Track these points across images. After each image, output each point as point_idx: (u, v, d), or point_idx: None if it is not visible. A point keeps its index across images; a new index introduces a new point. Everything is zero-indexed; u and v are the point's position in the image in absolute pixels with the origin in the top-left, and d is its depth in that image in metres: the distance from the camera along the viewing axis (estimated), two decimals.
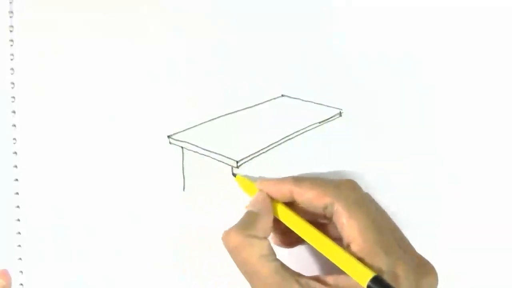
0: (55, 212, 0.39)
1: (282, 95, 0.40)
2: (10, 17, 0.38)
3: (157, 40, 0.39)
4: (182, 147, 0.39)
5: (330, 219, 0.35)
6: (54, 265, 0.39)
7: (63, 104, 0.38)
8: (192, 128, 0.39)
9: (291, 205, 0.36)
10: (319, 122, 0.39)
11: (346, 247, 0.33)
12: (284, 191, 0.35)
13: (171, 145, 0.39)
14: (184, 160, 0.39)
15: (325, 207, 0.34)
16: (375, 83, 0.39)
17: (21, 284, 0.39)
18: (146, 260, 0.39)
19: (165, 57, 0.39)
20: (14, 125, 0.38)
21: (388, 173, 0.40)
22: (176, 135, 0.39)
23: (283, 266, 0.33)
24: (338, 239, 0.34)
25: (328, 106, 0.39)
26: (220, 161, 0.38)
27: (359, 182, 0.36)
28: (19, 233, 0.39)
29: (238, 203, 0.39)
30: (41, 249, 0.39)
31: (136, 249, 0.39)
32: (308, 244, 0.35)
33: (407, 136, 0.39)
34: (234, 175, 0.38)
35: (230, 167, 0.38)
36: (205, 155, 0.38)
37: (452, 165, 0.40)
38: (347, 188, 0.35)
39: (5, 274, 0.38)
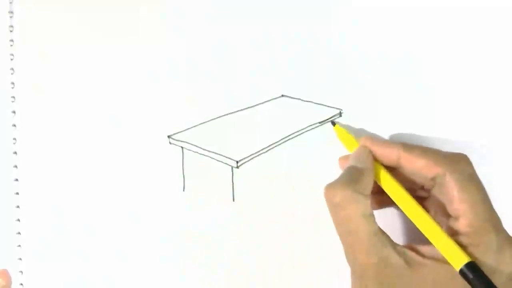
0: (55, 212, 0.39)
1: (282, 95, 0.39)
2: (10, 17, 0.38)
3: (157, 40, 0.39)
4: (182, 147, 0.39)
5: (428, 192, 0.34)
6: (54, 265, 0.39)
7: (63, 104, 0.38)
8: (192, 128, 0.39)
9: (390, 170, 0.35)
10: (319, 122, 0.39)
11: (454, 221, 0.32)
12: (391, 155, 0.34)
13: (171, 145, 0.39)
14: (184, 160, 0.39)
15: (434, 178, 0.33)
16: (375, 83, 0.39)
17: (21, 284, 0.39)
18: (146, 260, 0.39)
19: (165, 57, 0.39)
20: (14, 125, 0.38)
21: None
22: (176, 135, 0.39)
23: (381, 229, 0.32)
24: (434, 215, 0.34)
25: (328, 106, 0.39)
26: (220, 161, 0.38)
27: None
28: (19, 233, 0.39)
29: (238, 203, 0.39)
30: (41, 249, 0.39)
31: (136, 249, 0.39)
32: (395, 210, 0.34)
33: (407, 136, 0.39)
34: (333, 124, 0.37)
35: None
36: (205, 155, 0.38)
37: None
38: (460, 161, 0.33)
39: (5, 274, 0.38)
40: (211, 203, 0.39)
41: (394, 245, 0.32)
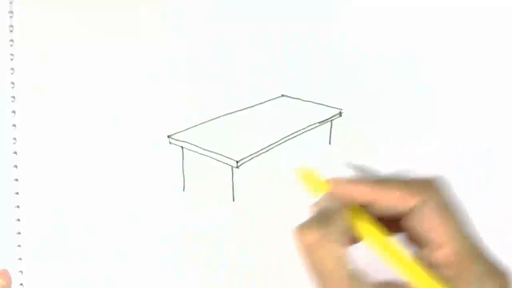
0: (55, 212, 0.39)
1: (282, 95, 0.39)
2: (10, 17, 0.38)
3: (157, 40, 0.39)
4: (182, 147, 0.39)
5: (399, 224, 0.33)
6: (54, 265, 0.39)
7: (63, 104, 0.38)
8: (192, 128, 0.39)
9: (364, 207, 0.33)
10: (319, 122, 0.39)
11: (432, 251, 0.31)
12: (361, 194, 0.32)
13: (171, 145, 0.39)
14: (184, 160, 0.39)
15: (411, 210, 0.31)
16: (375, 83, 0.39)
17: (21, 284, 0.39)
18: (146, 260, 0.39)
19: (165, 57, 0.39)
20: (14, 125, 0.38)
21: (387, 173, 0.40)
22: (176, 135, 0.39)
23: (358, 270, 0.31)
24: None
25: (328, 106, 0.39)
26: (220, 161, 0.38)
27: None
28: (19, 233, 0.39)
29: (238, 203, 0.39)
30: (41, 249, 0.39)
31: (136, 249, 0.39)
32: None
33: (407, 136, 0.39)
34: (296, 169, 0.36)
35: (231, 164, 0.38)
36: (205, 155, 0.38)
37: (451, 165, 0.40)
38: (436, 188, 0.31)
39: (5, 274, 0.38)
40: (211, 203, 0.39)
41: (371, 284, 0.31)
